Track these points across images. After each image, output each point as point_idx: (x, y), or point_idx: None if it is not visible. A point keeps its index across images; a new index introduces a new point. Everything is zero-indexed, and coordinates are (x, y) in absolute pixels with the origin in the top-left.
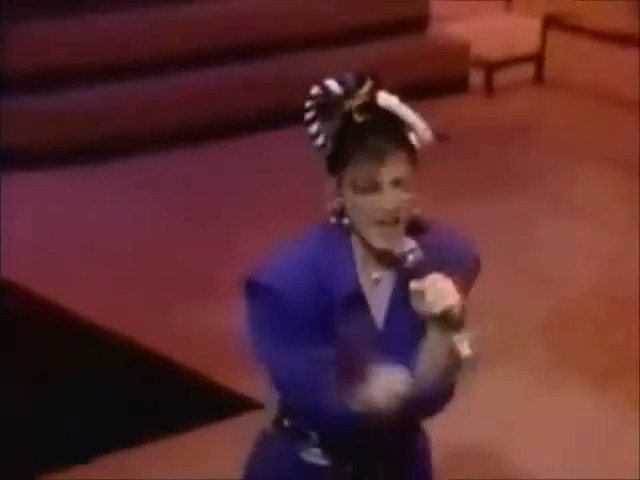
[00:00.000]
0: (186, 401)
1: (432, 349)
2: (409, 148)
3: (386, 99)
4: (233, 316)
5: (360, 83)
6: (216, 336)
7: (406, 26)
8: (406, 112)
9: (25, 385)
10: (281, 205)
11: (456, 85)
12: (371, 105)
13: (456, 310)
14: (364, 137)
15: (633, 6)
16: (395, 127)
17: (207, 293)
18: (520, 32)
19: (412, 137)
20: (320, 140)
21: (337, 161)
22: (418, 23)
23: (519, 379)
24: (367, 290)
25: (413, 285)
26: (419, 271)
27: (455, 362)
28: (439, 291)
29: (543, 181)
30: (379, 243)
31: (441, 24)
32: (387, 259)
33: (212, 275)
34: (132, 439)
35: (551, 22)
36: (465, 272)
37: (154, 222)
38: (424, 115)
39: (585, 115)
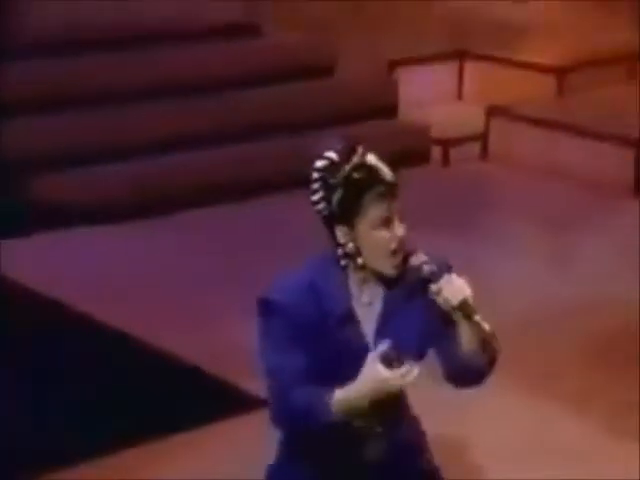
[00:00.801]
0: (199, 400)
1: (463, 334)
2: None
3: (373, 159)
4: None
5: (352, 151)
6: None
7: (381, 113)
8: (383, 166)
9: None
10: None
11: (420, 158)
12: (364, 165)
13: (470, 299)
14: (367, 188)
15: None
16: (383, 177)
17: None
18: (469, 117)
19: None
20: (323, 204)
21: (347, 213)
22: (390, 110)
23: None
24: (359, 311)
25: (433, 287)
26: (428, 278)
27: (483, 337)
28: (454, 287)
29: (484, 230)
30: (391, 272)
31: (408, 110)
32: (385, 282)
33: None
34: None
35: (493, 110)
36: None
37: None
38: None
39: (519, 183)
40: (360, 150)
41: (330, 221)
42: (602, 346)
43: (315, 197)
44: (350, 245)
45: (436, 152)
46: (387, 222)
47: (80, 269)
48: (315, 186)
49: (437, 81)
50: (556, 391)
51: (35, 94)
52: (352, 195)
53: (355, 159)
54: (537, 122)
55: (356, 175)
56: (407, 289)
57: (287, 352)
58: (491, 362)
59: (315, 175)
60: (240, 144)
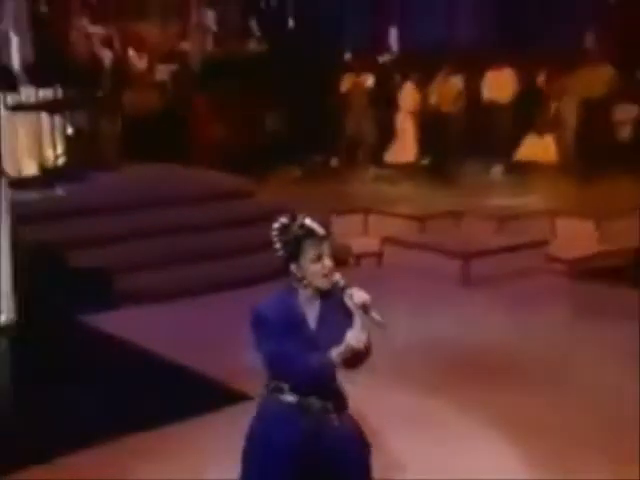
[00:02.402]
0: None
1: (362, 323)
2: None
3: (309, 221)
4: None
5: (295, 217)
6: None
7: None
8: (316, 225)
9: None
10: None
11: (342, 264)
12: (303, 225)
13: (369, 301)
14: (306, 239)
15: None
16: (316, 232)
17: None
18: (371, 243)
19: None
20: (282, 251)
21: (296, 255)
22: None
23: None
24: (308, 312)
25: (348, 291)
26: (344, 287)
27: (375, 326)
28: (359, 294)
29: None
30: (325, 286)
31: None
32: (321, 293)
33: None
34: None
35: (386, 239)
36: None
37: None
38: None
39: (397, 277)
40: (300, 216)
41: (287, 261)
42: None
43: (276, 247)
44: (299, 274)
45: (352, 260)
46: (319, 258)
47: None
48: (275, 240)
49: (353, 223)
50: None
51: None
52: (297, 243)
53: (298, 222)
54: (407, 245)
55: (299, 232)
56: (333, 299)
57: (276, 341)
58: (368, 349)
59: (274, 233)
60: None
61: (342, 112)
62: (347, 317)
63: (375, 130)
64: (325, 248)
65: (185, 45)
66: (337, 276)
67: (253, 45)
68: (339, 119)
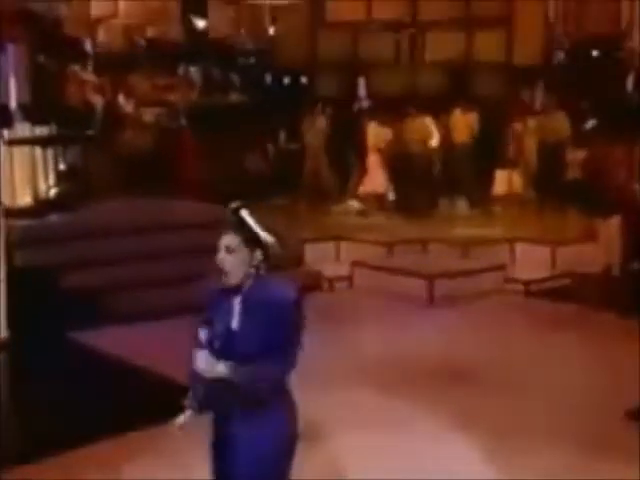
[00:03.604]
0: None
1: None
2: (248, 237)
3: (238, 212)
4: None
5: (239, 207)
6: None
7: (289, 263)
8: (234, 217)
9: None
10: None
11: (315, 287)
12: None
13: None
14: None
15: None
16: (239, 227)
17: None
18: (343, 269)
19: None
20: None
21: None
22: (297, 262)
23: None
24: (234, 304)
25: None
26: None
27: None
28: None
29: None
30: (223, 280)
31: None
32: (234, 289)
33: None
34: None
35: (355, 263)
36: (277, 303)
37: None
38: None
39: (364, 299)
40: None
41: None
42: None
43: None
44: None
45: (325, 284)
46: (220, 249)
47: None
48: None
49: (326, 251)
50: None
51: None
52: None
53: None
54: (376, 268)
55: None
56: (256, 298)
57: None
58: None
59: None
60: None
61: (304, 152)
62: (264, 319)
63: (337, 167)
64: (226, 240)
65: (172, 96)
66: (249, 282)
67: (235, 96)
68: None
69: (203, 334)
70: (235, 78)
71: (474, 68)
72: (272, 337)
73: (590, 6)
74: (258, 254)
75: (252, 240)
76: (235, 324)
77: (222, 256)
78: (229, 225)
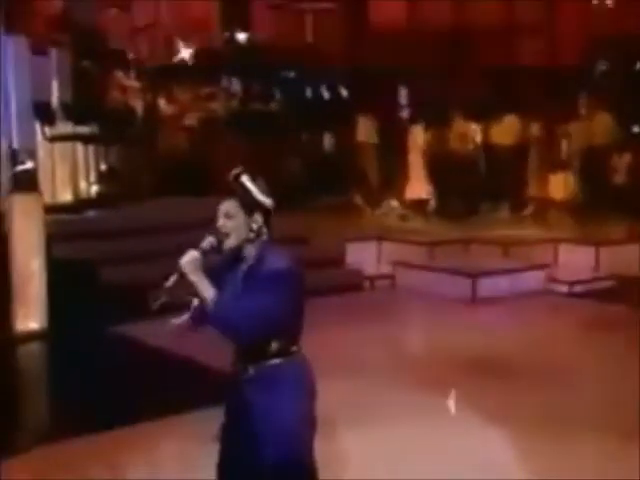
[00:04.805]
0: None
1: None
2: (246, 201)
3: (240, 177)
4: None
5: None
6: None
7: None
8: (251, 186)
9: None
10: None
11: (357, 286)
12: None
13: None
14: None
15: None
16: (240, 193)
17: None
18: (384, 268)
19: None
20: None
21: None
22: (339, 260)
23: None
24: (233, 270)
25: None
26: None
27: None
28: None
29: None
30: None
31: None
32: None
33: None
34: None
35: (397, 263)
36: (266, 273)
37: None
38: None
39: (405, 299)
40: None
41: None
42: None
43: None
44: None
45: (367, 283)
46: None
47: None
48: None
49: (367, 251)
50: None
51: None
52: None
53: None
54: (418, 267)
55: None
56: (247, 268)
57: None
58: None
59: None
60: None
61: (355, 156)
62: (247, 288)
63: (381, 170)
64: (225, 206)
65: (213, 105)
66: (250, 249)
67: (274, 104)
68: (352, 162)
69: (207, 243)
70: (276, 91)
71: (518, 72)
72: (256, 303)
73: (632, 7)
74: (258, 218)
75: (251, 204)
76: (234, 291)
77: (221, 222)
78: (230, 191)
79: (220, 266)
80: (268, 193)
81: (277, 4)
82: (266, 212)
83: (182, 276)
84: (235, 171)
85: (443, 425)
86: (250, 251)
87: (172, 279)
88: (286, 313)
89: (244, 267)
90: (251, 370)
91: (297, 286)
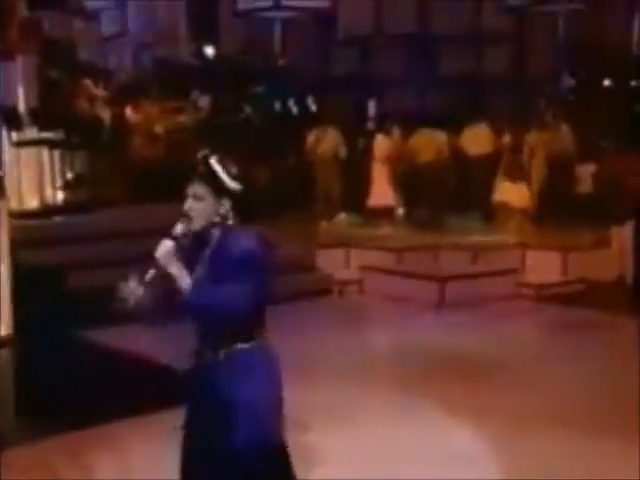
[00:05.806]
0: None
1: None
2: (215, 186)
3: (208, 159)
4: None
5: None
6: None
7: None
8: (219, 169)
9: None
10: None
11: (327, 291)
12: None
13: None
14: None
15: None
16: (208, 175)
17: None
18: (352, 274)
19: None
20: None
21: None
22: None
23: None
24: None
25: None
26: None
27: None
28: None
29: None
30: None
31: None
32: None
33: None
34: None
35: (365, 268)
36: (233, 256)
37: None
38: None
39: (375, 303)
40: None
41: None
42: None
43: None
44: None
45: (336, 288)
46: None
47: None
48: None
49: (335, 258)
50: None
51: None
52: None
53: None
54: (386, 272)
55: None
56: (212, 250)
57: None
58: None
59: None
60: None
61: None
62: (215, 273)
63: (344, 181)
64: (194, 188)
65: (180, 117)
66: (215, 233)
67: (243, 115)
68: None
69: (178, 229)
70: (245, 104)
71: (484, 82)
72: (227, 286)
73: (598, 19)
74: (225, 202)
75: (219, 189)
76: (201, 275)
77: (190, 204)
78: (198, 173)
79: (186, 249)
80: (238, 178)
81: (245, 13)
82: (234, 197)
83: (159, 269)
84: (203, 152)
85: (414, 425)
86: (215, 235)
87: (150, 273)
88: (257, 295)
89: (208, 251)
90: (221, 355)
91: (264, 267)
